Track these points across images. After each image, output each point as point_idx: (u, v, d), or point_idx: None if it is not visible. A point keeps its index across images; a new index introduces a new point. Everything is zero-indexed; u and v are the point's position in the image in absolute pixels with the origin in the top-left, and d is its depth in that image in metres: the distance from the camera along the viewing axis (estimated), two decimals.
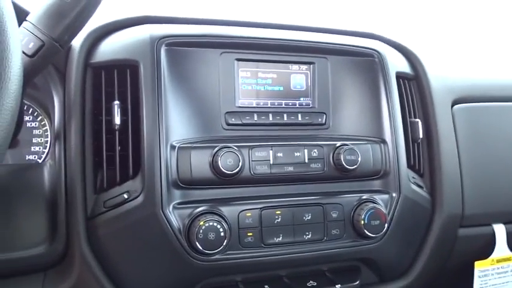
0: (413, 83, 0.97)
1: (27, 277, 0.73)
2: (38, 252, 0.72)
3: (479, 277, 0.97)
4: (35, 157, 0.87)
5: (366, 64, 0.89)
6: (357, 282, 0.82)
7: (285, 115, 0.83)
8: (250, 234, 0.74)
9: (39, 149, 0.88)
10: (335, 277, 0.82)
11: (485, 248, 0.99)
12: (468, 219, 0.95)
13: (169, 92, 0.75)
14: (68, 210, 0.73)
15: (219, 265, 0.73)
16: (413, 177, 0.90)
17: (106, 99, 0.76)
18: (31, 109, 0.88)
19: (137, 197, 0.71)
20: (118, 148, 0.74)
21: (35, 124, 0.88)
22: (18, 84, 0.43)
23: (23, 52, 0.62)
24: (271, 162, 0.77)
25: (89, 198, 0.73)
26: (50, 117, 0.86)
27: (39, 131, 0.88)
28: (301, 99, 0.85)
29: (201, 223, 0.70)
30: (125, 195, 0.72)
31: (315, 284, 0.80)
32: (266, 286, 0.78)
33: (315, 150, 0.80)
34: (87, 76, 0.77)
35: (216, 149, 0.73)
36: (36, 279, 0.73)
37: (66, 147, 0.74)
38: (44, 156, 0.87)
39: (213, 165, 0.73)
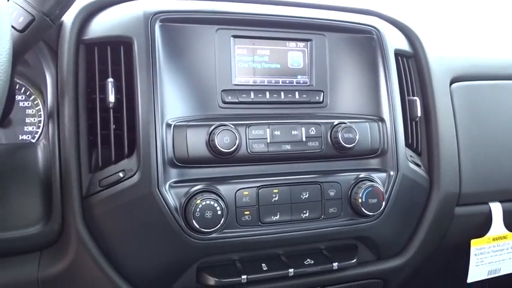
0: (412, 61, 0.95)
1: (23, 257, 0.72)
2: (34, 231, 0.71)
3: (476, 255, 0.98)
4: (28, 137, 0.86)
5: (364, 41, 0.87)
6: (354, 260, 0.82)
7: (282, 93, 0.82)
8: (248, 212, 0.74)
9: (33, 128, 0.86)
10: (332, 255, 0.82)
11: (482, 226, 1.00)
12: (465, 197, 0.95)
13: (164, 69, 0.73)
14: (63, 189, 0.72)
15: (216, 244, 0.72)
16: (411, 156, 0.89)
17: (99, 76, 0.74)
18: (23, 88, 0.87)
19: (133, 175, 0.70)
20: (113, 127, 0.73)
21: (28, 103, 0.87)
22: (8, 58, 0.42)
23: (13, 27, 0.60)
24: (268, 140, 0.76)
25: (84, 177, 0.72)
26: (43, 96, 0.84)
27: (32, 111, 0.87)
28: (299, 77, 0.84)
29: (198, 201, 0.69)
30: (120, 174, 0.71)
31: (312, 262, 0.80)
32: (263, 264, 0.78)
33: (313, 129, 0.79)
34: (80, 53, 0.75)
35: (213, 127, 0.72)
36: (32, 259, 0.73)
37: (60, 126, 0.73)
38: (37, 136, 0.86)
39: (210, 144, 0.72)
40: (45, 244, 0.73)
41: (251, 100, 0.80)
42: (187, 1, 0.80)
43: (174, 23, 0.76)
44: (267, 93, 0.81)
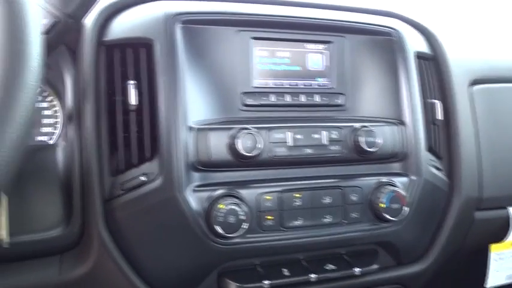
0: (431, 63, 0.94)
1: (44, 260, 0.72)
2: (54, 234, 0.70)
3: (495, 260, 0.97)
4: (45, 138, 0.85)
5: (384, 43, 0.86)
6: (376, 265, 0.81)
7: (302, 96, 0.81)
8: (270, 217, 0.73)
9: (50, 130, 0.85)
10: (353, 260, 0.81)
11: (501, 231, 0.99)
12: (485, 202, 0.94)
13: (185, 71, 0.72)
14: (83, 192, 0.71)
15: (238, 249, 0.72)
16: (431, 160, 0.88)
17: (120, 78, 0.73)
18: (39, 89, 0.86)
19: (155, 179, 0.69)
20: (134, 129, 0.72)
21: (45, 104, 0.86)
22: (39, 63, 0.41)
23: None
24: (290, 144, 0.75)
25: (105, 180, 0.71)
26: (61, 97, 0.83)
27: (49, 112, 0.86)
28: (319, 79, 0.83)
29: (221, 206, 0.68)
30: (143, 178, 0.70)
31: (334, 267, 0.79)
32: (285, 269, 0.77)
33: (334, 132, 0.78)
34: (100, 55, 0.74)
35: (235, 130, 0.71)
36: (53, 262, 0.72)
37: (81, 128, 0.72)
38: (55, 137, 0.85)
39: (232, 147, 0.71)
40: (66, 247, 0.73)
41: (271, 103, 0.79)
42: (207, 2, 0.80)
43: (195, 25, 0.75)
44: (287, 96, 0.80)
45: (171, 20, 0.73)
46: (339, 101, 0.83)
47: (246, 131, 0.71)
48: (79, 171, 0.72)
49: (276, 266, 0.78)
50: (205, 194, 0.70)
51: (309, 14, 0.83)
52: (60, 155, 0.75)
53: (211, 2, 0.80)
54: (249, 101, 0.77)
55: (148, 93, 0.72)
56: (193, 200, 0.69)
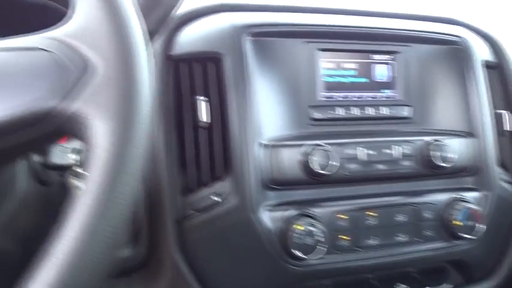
0: (496, 72, 0.91)
1: (112, 282, 0.70)
2: (121, 255, 0.68)
3: None
4: None
5: (451, 52, 0.83)
6: (447, 284, 0.78)
7: (369, 108, 0.78)
8: (343, 237, 0.70)
9: None
10: (424, 279, 0.78)
11: None
12: None
13: (254, 86, 0.70)
14: (152, 212, 0.69)
15: (313, 270, 0.69)
16: (501, 173, 0.84)
17: (188, 93, 0.71)
18: None
19: (228, 199, 0.67)
20: (205, 147, 0.69)
21: None
22: (150, 86, 0.39)
23: None
24: (362, 160, 0.72)
25: (175, 199, 0.69)
26: None
27: None
28: (386, 91, 0.80)
29: (297, 227, 0.66)
30: (215, 198, 0.67)
31: (405, 286, 0.76)
32: None
33: (406, 147, 0.75)
34: (167, 69, 0.72)
35: (308, 147, 0.69)
36: (120, 285, 0.70)
37: (150, 145, 0.70)
38: None
39: (305, 165, 0.69)
40: (133, 268, 0.71)
41: (339, 116, 0.76)
42: (271, 13, 0.77)
43: (263, 37, 0.73)
44: (354, 109, 0.78)
45: (240, 32, 0.71)
46: (407, 113, 0.80)
47: (319, 147, 0.69)
48: (147, 189, 0.70)
49: (346, 285, 0.75)
50: (279, 214, 0.68)
51: (374, 23, 0.80)
52: None
53: (275, 12, 0.78)
54: (317, 115, 0.75)
55: (220, 110, 0.69)
56: (268, 220, 0.67)
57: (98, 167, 0.33)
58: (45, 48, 0.37)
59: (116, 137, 0.34)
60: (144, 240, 0.70)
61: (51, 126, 0.35)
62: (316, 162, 0.68)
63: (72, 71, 0.36)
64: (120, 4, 0.39)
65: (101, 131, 0.34)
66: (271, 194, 0.68)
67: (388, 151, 0.74)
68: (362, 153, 0.73)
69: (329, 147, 0.69)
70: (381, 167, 0.74)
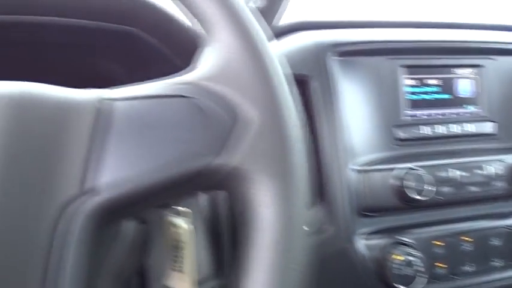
0: None
1: None
2: None
3: None
4: None
5: None
6: None
7: (454, 126, 0.75)
8: (440, 264, 0.67)
9: None
10: None
11: None
12: None
13: (342, 108, 0.67)
14: (234, 242, 0.67)
15: None
16: None
17: None
18: None
19: (322, 228, 0.64)
20: None
21: None
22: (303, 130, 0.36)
23: None
24: (455, 182, 0.69)
25: None
26: None
27: None
28: (469, 107, 0.76)
29: (396, 257, 0.62)
30: (306, 228, 0.65)
31: None
32: None
33: (498, 166, 0.72)
34: None
35: (400, 171, 0.66)
36: None
37: None
38: None
39: (400, 190, 0.65)
40: None
41: (425, 135, 0.73)
42: (353, 30, 0.74)
43: (348, 56, 0.70)
44: (439, 127, 0.74)
45: (325, 52, 0.68)
46: (492, 129, 0.76)
47: (412, 171, 0.66)
48: (230, 219, 0.67)
49: None
50: (374, 243, 0.65)
51: (456, 36, 0.77)
52: (204, 201, 0.70)
53: (356, 29, 0.75)
54: (402, 135, 0.72)
55: (310, 135, 0.67)
56: (364, 250, 0.64)
57: (269, 230, 0.31)
58: (187, 95, 0.34)
59: (284, 196, 0.31)
60: (227, 273, 0.67)
61: (207, 183, 0.32)
62: (411, 188, 0.65)
63: (223, 120, 0.32)
64: (261, 42, 0.35)
65: (264, 187, 0.32)
66: (365, 221, 0.65)
67: (479, 171, 0.71)
68: (454, 175, 0.69)
69: (420, 170, 0.66)
70: (474, 188, 0.70)
